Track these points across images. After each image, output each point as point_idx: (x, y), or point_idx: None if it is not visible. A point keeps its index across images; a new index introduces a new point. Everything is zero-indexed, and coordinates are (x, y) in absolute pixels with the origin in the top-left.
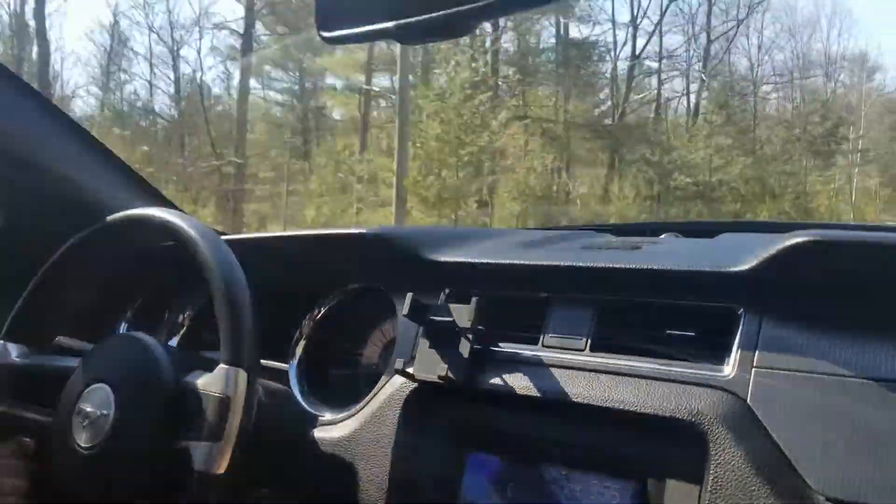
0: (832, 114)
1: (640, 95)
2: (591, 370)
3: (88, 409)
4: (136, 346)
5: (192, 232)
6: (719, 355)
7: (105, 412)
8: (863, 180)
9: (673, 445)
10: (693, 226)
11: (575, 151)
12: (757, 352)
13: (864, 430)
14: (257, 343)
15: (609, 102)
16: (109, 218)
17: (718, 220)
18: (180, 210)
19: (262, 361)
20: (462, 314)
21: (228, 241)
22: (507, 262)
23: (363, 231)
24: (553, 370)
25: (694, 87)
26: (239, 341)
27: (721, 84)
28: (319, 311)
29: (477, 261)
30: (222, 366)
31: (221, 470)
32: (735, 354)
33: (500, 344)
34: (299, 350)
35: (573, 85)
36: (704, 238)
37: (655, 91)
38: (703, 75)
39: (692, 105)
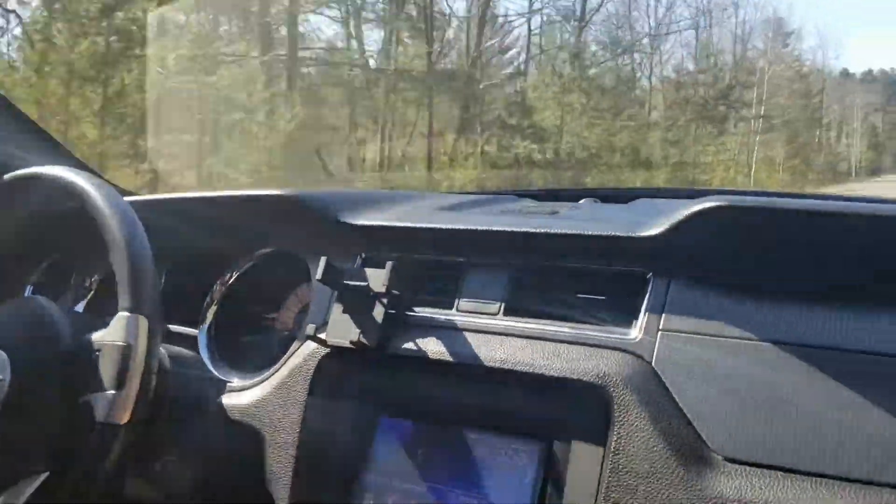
0: (727, 74)
1: (491, 42)
2: (503, 334)
3: None
4: (31, 309)
5: (87, 186)
6: (627, 319)
7: (1, 377)
8: (766, 150)
9: (579, 408)
10: (613, 192)
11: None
12: (664, 315)
13: (763, 392)
14: (157, 291)
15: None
16: (5, 177)
17: (638, 186)
18: (91, 171)
19: (171, 327)
20: (377, 278)
21: (134, 202)
22: (424, 225)
23: (277, 193)
24: (466, 334)
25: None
26: (137, 287)
27: (596, 35)
28: (231, 276)
29: (393, 224)
30: (121, 314)
31: (125, 419)
32: (642, 318)
33: (415, 308)
34: (210, 315)
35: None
36: (622, 204)
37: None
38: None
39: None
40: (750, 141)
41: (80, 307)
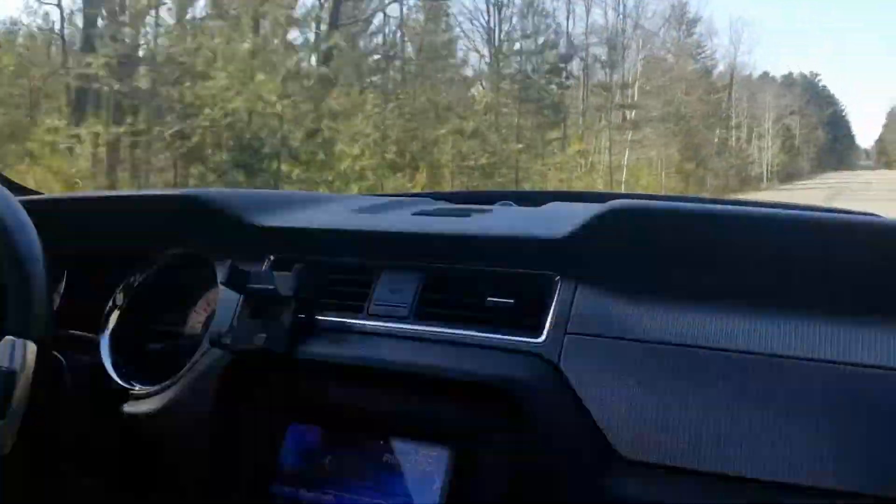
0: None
1: None
2: (413, 338)
3: None
4: None
5: None
6: (535, 322)
7: None
8: (647, 150)
9: (488, 412)
10: (528, 194)
11: None
12: (570, 318)
13: (667, 394)
14: (49, 311)
15: None
16: None
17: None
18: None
19: (73, 332)
20: (284, 282)
21: (30, 202)
22: (333, 227)
23: (181, 193)
24: (376, 339)
25: None
26: (27, 309)
27: None
28: (135, 279)
29: (302, 226)
30: (8, 337)
31: (6, 451)
32: (549, 321)
33: (325, 312)
34: (112, 320)
35: None
36: (534, 207)
37: None
38: None
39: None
40: (622, 139)
41: None
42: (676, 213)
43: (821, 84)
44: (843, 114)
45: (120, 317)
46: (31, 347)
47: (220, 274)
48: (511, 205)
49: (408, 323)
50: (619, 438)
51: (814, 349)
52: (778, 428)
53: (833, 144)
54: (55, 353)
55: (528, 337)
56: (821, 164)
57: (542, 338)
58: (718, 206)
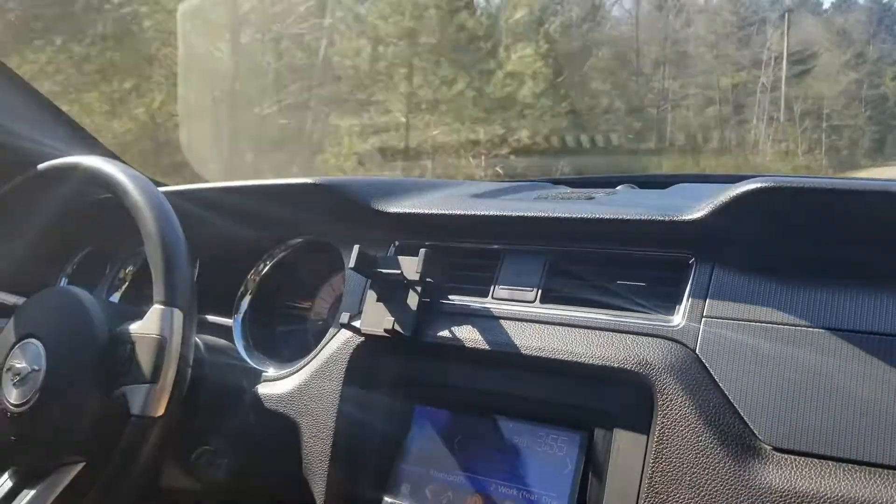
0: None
1: None
2: (540, 322)
3: (19, 366)
4: (67, 299)
5: (121, 177)
6: (669, 305)
7: (36, 367)
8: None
9: (621, 396)
10: (650, 178)
11: None
12: (707, 301)
13: (812, 379)
14: (192, 283)
15: None
16: (39, 167)
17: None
18: (120, 160)
19: (208, 318)
20: (410, 266)
21: (167, 193)
22: (458, 212)
23: (309, 181)
24: (502, 322)
25: None
26: (172, 280)
27: None
28: (265, 266)
29: (427, 211)
30: (156, 306)
31: (160, 413)
32: (685, 304)
33: (450, 296)
34: (244, 305)
35: None
36: (660, 189)
37: None
38: None
39: None
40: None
41: (114, 298)
42: (818, 189)
43: None
44: None
45: (251, 301)
46: (178, 315)
47: (348, 259)
48: (634, 188)
49: (534, 306)
50: (761, 426)
51: None
52: None
53: None
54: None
55: (662, 321)
56: None
57: (679, 321)
58: (860, 181)
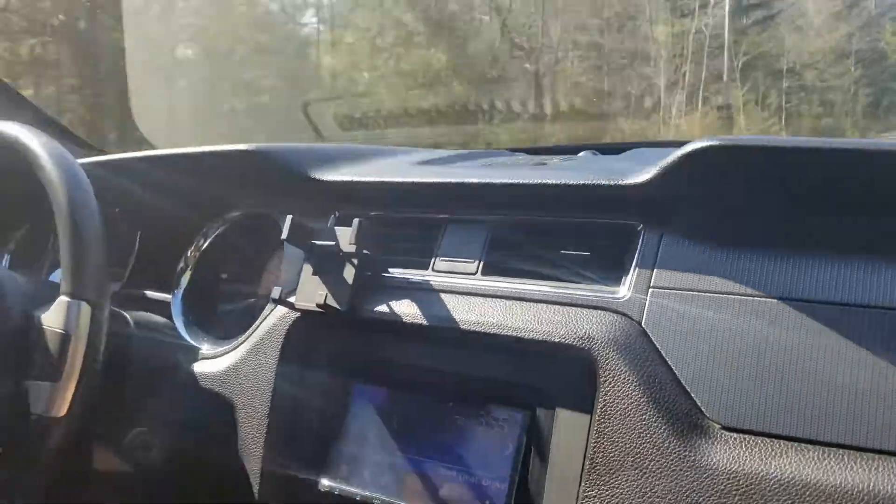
0: None
1: None
2: (481, 295)
3: None
4: None
5: (34, 146)
6: (616, 276)
7: None
8: None
9: (564, 372)
10: (613, 145)
11: None
12: (655, 271)
13: (764, 352)
14: (104, 272)
15: None
16: None
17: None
18: (62, 128)
19: (146, 293)
20: (346, 238)
21: (95, 163)
22: (397, 180)
23: (242, 148)
24: (442, 296)
25: None
26: (81, 271)
27: None
28: (205, 241)
29: (364, 179)
30: (62, 298)
31: (61, 412)
32: (632, 274)
33: (389, 269)
34: (184, 281)
35: None
36: (615, 155)
37: None
38: None
39: None
40: None
41: (56, 275)
42: (770, 147)
43: None
44: None
45: (191, 277)
46: (86, 309)
47: (284, 230)
48: (597, 154)
49: (476, 278)
50: (709, 403)
51: None
52: (889, 389)
53: None
54: (123, 312)
55: (607, 292)
56: None
57: (624, 293)
58: (816, 140)
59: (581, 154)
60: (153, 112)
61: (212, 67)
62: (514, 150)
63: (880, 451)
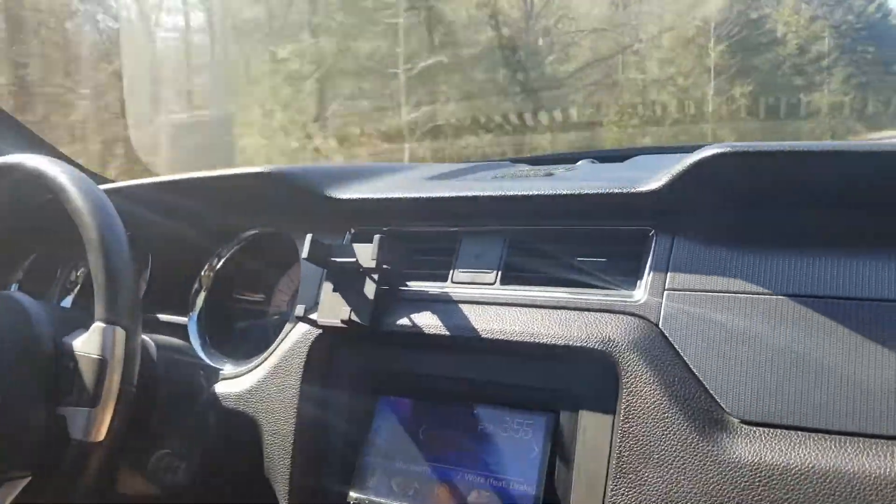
0: None
1: None
2: (500, 304)
3: None
4: (10, 305)
5: (61, 177)
6: (631, 280)
7: None
8: None
9: (585, 375)
10: (611, 152)
11: None
12: (669, 273)
13: (777, 348)
14: (136, 298)
15: None
16: None
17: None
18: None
19: (161, 316)
20: (365, 254)
21: (109, 190)
22: (413, 195)
23: (259, 170)
24: (462, 306)
25: None
26: (115, 296)
27: None
28: (219, 261)
29: (380, 196)
30: (98, 324)
31: (100, 437)
32: (646, 278)
33: (409, 283)
34: (199, 302)
35: None
36: (619, 163)
37: None
38: None
39: None
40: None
41: (67, 302)
42: (776, 153)
43: None
44: None
45: (206, 298)
46: (121, 334)
47: (302, 249)
48: (595, 162)
49: (494, 288)
50: (727, 399)
51: None
52: None
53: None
54: (145, 336)
55: (624, 296)
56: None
57: (641, 296)
58: (819, 143)
59: (580, 163)
60: (153, 142)
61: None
62: (515, 161)
63: (892, 438)
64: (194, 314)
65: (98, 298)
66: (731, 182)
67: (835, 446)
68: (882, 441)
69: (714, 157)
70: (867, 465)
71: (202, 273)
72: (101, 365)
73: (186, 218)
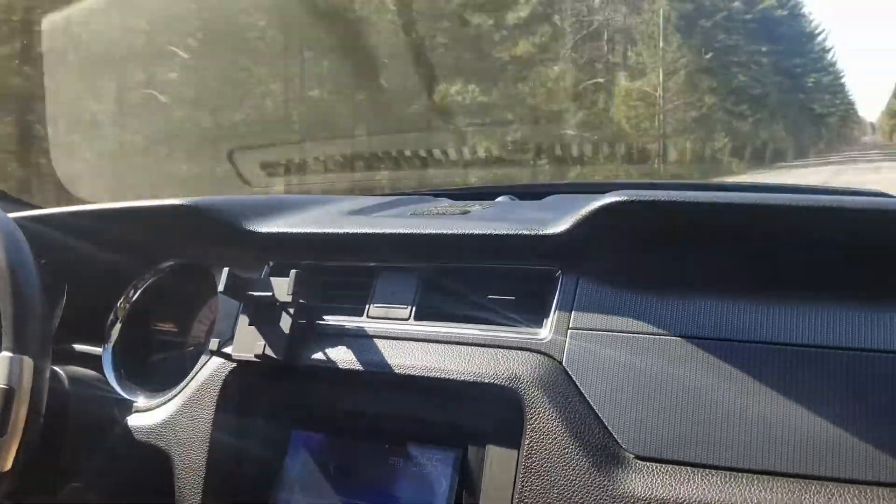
0: None
1: None
2: (414, 339)
3: None
4: None
5: None
6: (538, 318)
7: None
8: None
9: (493, 411)
10: (530, 187)
11: None
12: (573, 313)
13: (672, 388)
14: (44, 328)
15: None
16: None
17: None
18: None
19: (76, 347)
20: (282, 288)
21: (26, 217)
22: (330, 231)
23: (176, 202)
24: (377, 341)
25: None
26: (23, 326)
27: None
28: (135, 292)
29: (298, 230)
30: (5, 353)
31: (6, 467)
32: (552, 317)
33: (325, 317)
34: (115, 333)
35: None
36: (535, 201)
37: None
38: None
39: None
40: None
41: None
42: (678, 203)
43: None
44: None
45: (122, 329)
46: (28, 363)
47: (219, 282)
48: (514, 199)
49: (409, 324)
50: (623, 435)
51: (826, 336)
52: (793, 419)
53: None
54: (56, 367)
55: (531, 334)
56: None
57: (546, 334)
58: (721, 194)
59: (499, 199)
60: (74, 163)
61: (137, 119)
62: (437, 195)
63: (770, 473)
64: (109, 345)
65: (5, 328)
66: (634, 227)
67: (720, 481)
68: (764, 476)
69: (612, 205)
70: (749, 499)
71: (118, 304)
72: (8, 394)
73: (105, 247)
